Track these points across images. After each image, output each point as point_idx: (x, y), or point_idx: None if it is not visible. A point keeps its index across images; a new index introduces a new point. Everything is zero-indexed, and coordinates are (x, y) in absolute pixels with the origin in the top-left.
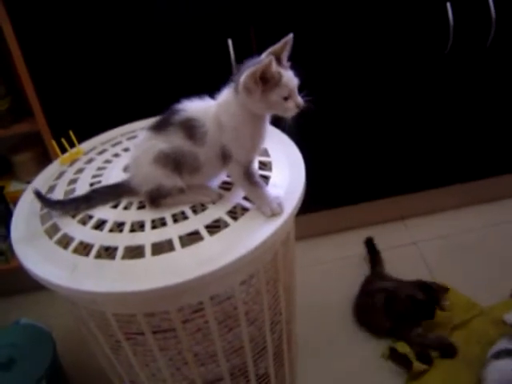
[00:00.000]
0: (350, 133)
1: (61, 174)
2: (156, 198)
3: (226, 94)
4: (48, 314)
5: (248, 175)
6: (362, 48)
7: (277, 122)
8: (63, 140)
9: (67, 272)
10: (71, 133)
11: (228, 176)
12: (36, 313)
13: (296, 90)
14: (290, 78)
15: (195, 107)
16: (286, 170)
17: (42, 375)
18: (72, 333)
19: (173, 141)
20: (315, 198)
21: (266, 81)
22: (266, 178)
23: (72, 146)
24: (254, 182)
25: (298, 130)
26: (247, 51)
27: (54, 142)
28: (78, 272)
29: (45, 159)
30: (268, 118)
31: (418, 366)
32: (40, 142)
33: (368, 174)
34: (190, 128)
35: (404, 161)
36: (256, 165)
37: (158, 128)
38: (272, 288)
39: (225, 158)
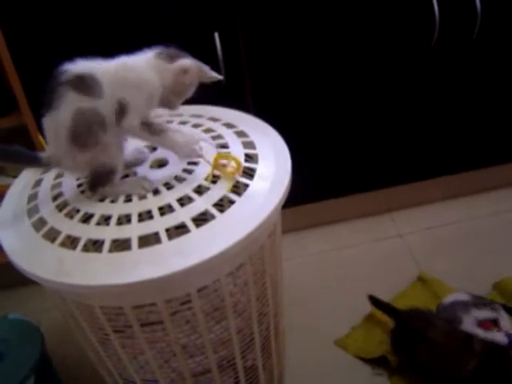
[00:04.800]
0: (337, 125)
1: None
2: (96, 184)
3: (141, 58)
4: (36, 308)
5: (146, 125)
6: (348, 41)
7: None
8: None
9: (54, 266)
10: None
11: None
12: (24, 308)
13: None
14: None
15: (81, 65)
16: (272, 163)
17: (30, 370)
18: (60, 327)
19: (68, 104)
20: (301, 191)
21: None
22: (252, 171)
23: None
24: (154, 130)
25: (284, 122)
26: (233, 44)
27: (40, 136)
28: (64, 265)
29: None
30: None
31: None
32: (26, 136)
33: (354, 166)
34: (81, 83)
35: (390, 153)
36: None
37: (48, 106)
38: (259, 280)
39: (120, 113)
